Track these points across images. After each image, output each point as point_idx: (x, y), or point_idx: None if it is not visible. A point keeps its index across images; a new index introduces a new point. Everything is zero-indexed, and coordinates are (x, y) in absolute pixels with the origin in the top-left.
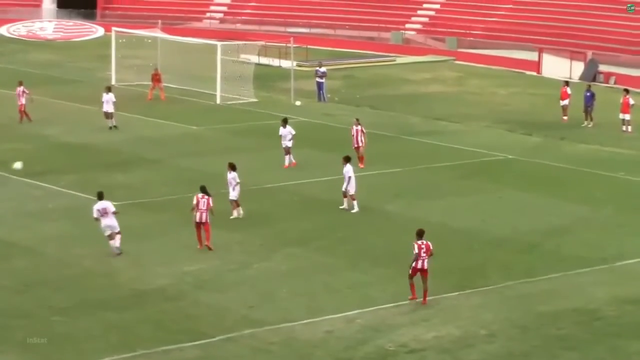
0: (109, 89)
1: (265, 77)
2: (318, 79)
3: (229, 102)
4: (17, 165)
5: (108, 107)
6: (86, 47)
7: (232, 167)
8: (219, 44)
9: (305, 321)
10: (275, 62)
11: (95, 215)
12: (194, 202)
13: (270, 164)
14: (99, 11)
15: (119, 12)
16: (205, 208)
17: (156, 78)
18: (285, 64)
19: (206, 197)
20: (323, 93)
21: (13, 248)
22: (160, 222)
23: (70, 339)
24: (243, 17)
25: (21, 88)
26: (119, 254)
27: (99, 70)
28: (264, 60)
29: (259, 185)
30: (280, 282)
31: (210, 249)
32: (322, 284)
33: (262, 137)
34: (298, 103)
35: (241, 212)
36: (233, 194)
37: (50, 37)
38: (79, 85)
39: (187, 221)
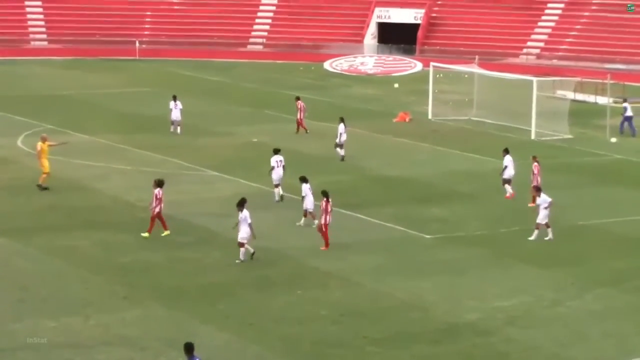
0: None
1: (580, 114)
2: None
3: (543, 138)
4: None
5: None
6: (404, 82)
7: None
8: (534, 79)
9: None
10: (591, 98)
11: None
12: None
13: (584, 201)
14: (418, 47)
15: (438, 48)
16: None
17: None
18: (602, 100)
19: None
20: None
21: (330, 278)
22: (473, 257)
23: None
24: (560, 53)
25: (301, 102)
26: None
27: (417, 104)
28: (579, 97)
29: (572, 223)
30: (592, 321)
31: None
32: (635, 326)
33: (576, 174)
34: (614, 140)
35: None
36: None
37: (370, 71)
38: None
39: (498, 256)
